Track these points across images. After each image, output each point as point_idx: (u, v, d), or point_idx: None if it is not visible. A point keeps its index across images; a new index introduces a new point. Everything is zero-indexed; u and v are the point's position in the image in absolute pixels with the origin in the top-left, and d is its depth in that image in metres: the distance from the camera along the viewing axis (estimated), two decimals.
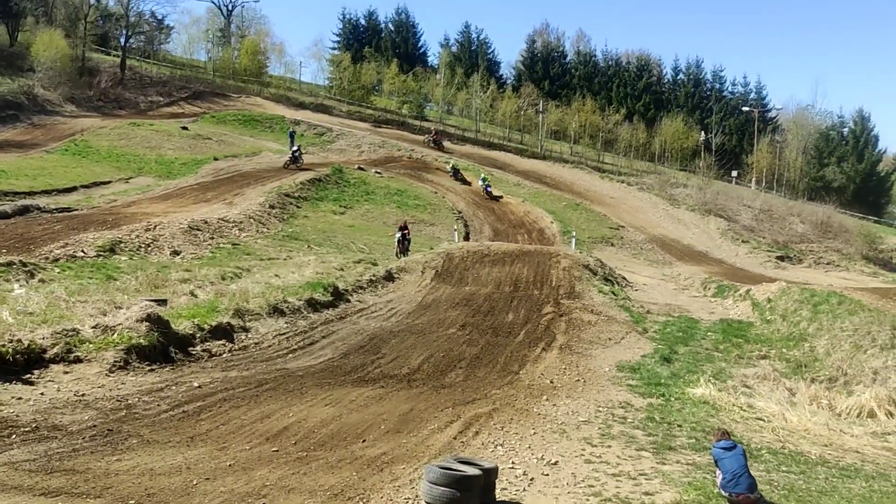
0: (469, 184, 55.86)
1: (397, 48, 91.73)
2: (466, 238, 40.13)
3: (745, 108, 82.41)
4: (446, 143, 67.19)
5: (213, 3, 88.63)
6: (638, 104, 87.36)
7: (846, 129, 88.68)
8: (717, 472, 9.28)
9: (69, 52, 64.84)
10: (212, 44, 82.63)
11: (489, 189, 52.68)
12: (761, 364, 19.90)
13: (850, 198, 77.00)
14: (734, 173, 73.70)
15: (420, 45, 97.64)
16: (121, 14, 73.14)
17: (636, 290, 31.78)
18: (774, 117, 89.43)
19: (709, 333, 23.49)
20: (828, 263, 51.73)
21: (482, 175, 54.96)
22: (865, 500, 9.83)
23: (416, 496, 8.64)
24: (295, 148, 49.99)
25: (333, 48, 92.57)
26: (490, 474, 8.58)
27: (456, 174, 56.66)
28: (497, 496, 8.93)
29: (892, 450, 12.80)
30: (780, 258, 50.26)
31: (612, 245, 47.32)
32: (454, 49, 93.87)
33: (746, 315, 27.37)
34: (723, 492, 9.03)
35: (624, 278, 33.47)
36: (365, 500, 8.50)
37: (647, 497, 9.18)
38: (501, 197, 53.01)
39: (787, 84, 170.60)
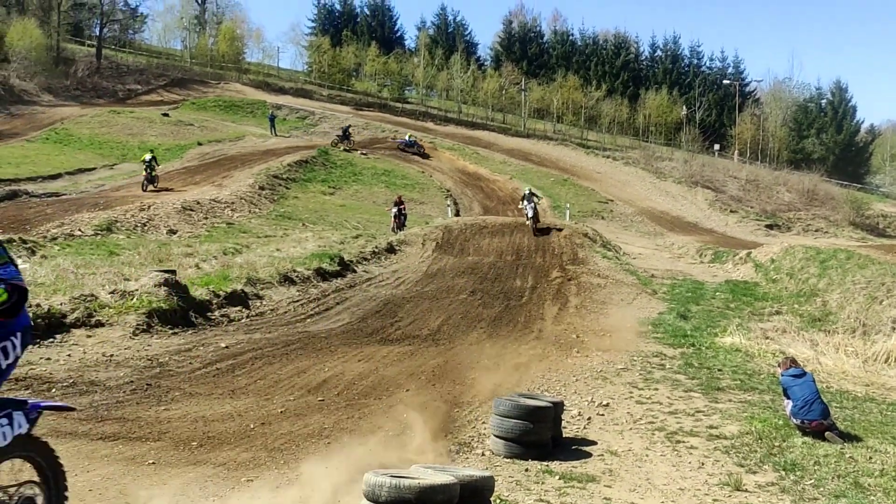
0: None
1: (374, 32, 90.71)
2: (457, 215, 39.76)
3: (726, 82, 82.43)
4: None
5: None
6: (616, 82, 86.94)
7: (824, 101, 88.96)
8: (786, 401, 8.99)
9: (44, 41, 63.65)
10: (187, 31, 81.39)
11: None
12: (775, 319, 19.75)
13: (830, 168, 77.14)
14: (717, 146, 73.73)
15: (397, 28, 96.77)
16: (94, 3, 71.82)
17: (634, 259, 31.60)
18: (753, 91, 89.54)
19: (717, 294, 23.34)
20: (816, 230, 51.89)
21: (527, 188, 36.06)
22: None
23: (480, 434, 8.35)
24: (347, 126, 55.01)
25: (310, 34, 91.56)
26: (558, 407, 8.30)
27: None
28: None
29: None
30: (770, 226, 50.38)
31: (603, 218, 47.17)
32: (431, 32, 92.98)
33: (750, 276, 27.24)
34: (794, 420, 8.75)
35: (620, 248, 33.30)
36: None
37: (713, 430, 8.94)
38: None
39: (764, 58, 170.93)
